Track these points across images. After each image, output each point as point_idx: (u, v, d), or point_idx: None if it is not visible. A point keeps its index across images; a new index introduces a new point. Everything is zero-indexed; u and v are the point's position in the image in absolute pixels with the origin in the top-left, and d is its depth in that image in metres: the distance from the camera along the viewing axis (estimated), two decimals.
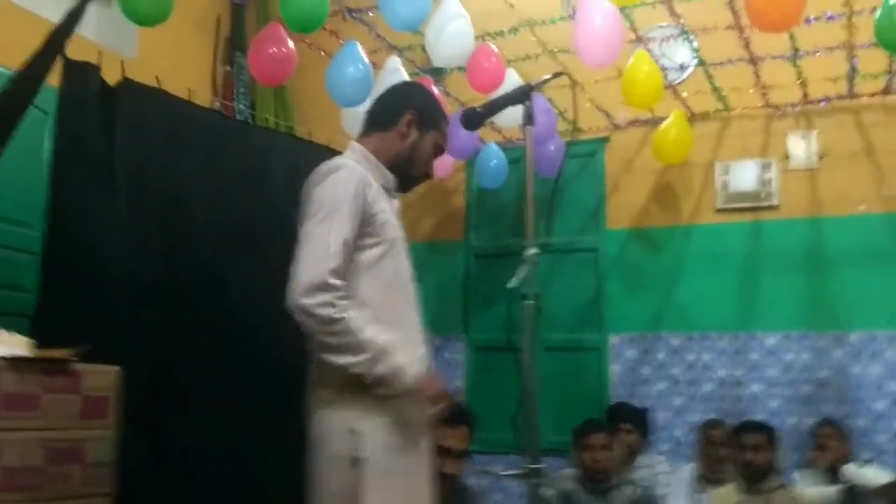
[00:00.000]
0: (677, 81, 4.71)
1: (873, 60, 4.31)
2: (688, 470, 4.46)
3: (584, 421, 4.05)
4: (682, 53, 4.57)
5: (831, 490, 3.91)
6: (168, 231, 3.17)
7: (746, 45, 4.16)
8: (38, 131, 3.71)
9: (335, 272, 2.07)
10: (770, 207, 4.87)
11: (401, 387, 2.13)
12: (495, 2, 4.01)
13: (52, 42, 2.40)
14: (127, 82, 3.06)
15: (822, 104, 4.77)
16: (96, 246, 2.89)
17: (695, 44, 4.25)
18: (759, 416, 4.47)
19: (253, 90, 5.62)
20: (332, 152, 2.45)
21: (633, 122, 5.18)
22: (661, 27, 4.35)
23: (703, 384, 4.88)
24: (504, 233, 5.40)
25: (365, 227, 2.18)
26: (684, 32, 4.08)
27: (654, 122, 4.98)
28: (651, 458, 4.62)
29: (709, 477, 4.29)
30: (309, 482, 2.20)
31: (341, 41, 4.20)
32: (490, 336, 5.05)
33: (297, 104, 5.72)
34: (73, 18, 2.41)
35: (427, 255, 5.46)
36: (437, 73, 4.86)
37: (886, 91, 4.64)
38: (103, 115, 3.00)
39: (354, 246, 2.16)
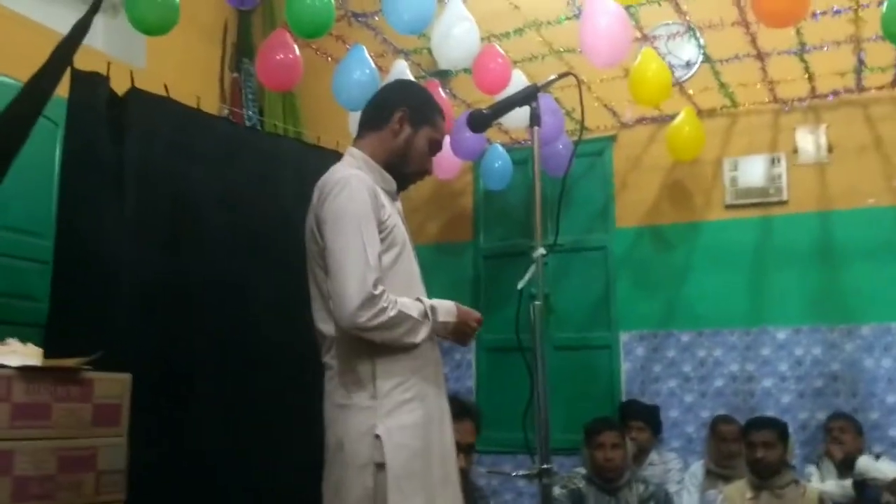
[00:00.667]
0: (684, 78, 4.70)
1: (880, 54, 4.31)
2: (699, 466, 4.46)
3: (594, 419, 4.05)
4: (688, 50, 4.57)
5: (847, 483, 3.91)
6: (178, 238, 3.18)
7: (753, 40, 4.15)
8: (47, 142, 3.74)
9: (377, 282, 2.10)
10: (779, 202, 4.87)
11: (453, 317, 2.26)
12: (501, 3, 4.02)
13: (61, 54, 2.41)
14: (135, 91, 3.07)
15: (830, 98, 4.76)
16: (106, 254, 2.90)
17: (701, 40, 4.25)
18: (770, 412, 4.48)
19: (261, 96, 5.65)
20: (340, 156, 2.44)
21: (641, 120, 5.18)
22: (667, 24, 4.34)
23: (715, 380, 4.87)
24: (513, 233, 5.40)
25: (379, 234, 2.19)
26: (690, 29, 4.08)
27: (662, 119, 4.99)
28: (663, 456, 4.63)
29: (719, 473, 4.30)
30: (325, 488, 2.21)
31: (347, 46, 4.21)
32: (500, 336, 5.05)
33: (304, 109, 5.74)
34: (80, 30, 2.41)
35: (436, 257, 5.47)
36: (444, 76, 4.87)
37: (894, 84, 4.62)
38: (112, 125, 3.00)
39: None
